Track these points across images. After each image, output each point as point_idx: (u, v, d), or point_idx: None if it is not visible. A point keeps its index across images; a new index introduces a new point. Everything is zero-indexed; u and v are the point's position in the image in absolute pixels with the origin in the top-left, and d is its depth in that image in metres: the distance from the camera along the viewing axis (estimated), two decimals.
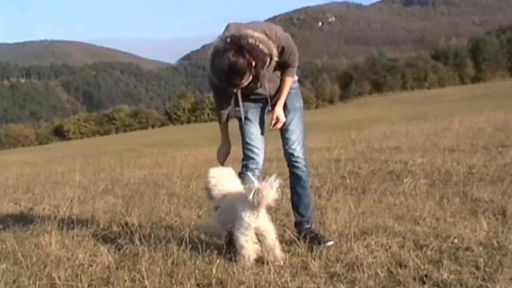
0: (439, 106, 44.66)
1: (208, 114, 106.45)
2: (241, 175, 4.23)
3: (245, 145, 4.27)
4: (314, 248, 4.09)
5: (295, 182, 4.34)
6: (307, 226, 4.30)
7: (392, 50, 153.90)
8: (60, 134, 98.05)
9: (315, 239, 4.10)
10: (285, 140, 4.31)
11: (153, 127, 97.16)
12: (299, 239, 4.14)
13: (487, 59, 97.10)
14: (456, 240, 3.91)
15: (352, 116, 43.11)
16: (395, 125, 17.50)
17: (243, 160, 4.29)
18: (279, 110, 4.14)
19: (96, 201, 7.38)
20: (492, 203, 5.04)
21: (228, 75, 3.61)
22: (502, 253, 3.60)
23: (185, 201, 7.04)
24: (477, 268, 3.34)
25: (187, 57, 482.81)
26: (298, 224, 4.35)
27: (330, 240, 4.09)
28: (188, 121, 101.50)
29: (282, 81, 4.17)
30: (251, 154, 4.25)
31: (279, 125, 4.17)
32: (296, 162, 4.29)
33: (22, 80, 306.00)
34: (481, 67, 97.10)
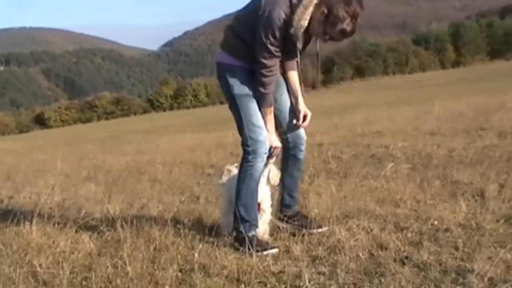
0: (420, 90, 44.87)
1: (191, 100, 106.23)
2: (247, 162, 3.82)
3: (252, 127, 3.77)
4: (296, 232, 4.12)
5: (293, 165, 4.14)
6: (297, 209, 4.25)
7: (374, 35, 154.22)
8: (41, 122, 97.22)
9: (304, 224, 4.07)
10: (290, 123, 4.03)
11: (135, 114, 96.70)
12: (285, 222, 4.13)
13: (467, 44, 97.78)
14: (436, 222, 3.94)
15: (334, 101, 43.19)
16: (377, 109, 17.52)
17: (247, 145, 3.80)
18: (304, 106, 4.01)
19: (78, 189, 7.36)
20: (471, 185, 5.10)
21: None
22: (480, 234, 3.64)
23: (167, 187, 7.05)
24: (456, 248, 3.37)
25: (169, 44, 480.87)
26: (287, 207, 4.22)
27: (323, 227, 4.03)
28: (171, 108, 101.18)
29: (294, 74, 4.07)
30: (260, 138, 3.77)
31: (307, 122, 4.02)
32: (302, 144, 4.10)
33: (1, 68, 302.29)
34: (461, 52, 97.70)
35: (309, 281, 3.05)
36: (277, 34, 3.49)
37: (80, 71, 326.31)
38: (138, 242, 3.97)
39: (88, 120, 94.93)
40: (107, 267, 3.55)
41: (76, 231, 4.53)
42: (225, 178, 4.31)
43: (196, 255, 3.63)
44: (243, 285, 3.10)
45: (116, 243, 4.09)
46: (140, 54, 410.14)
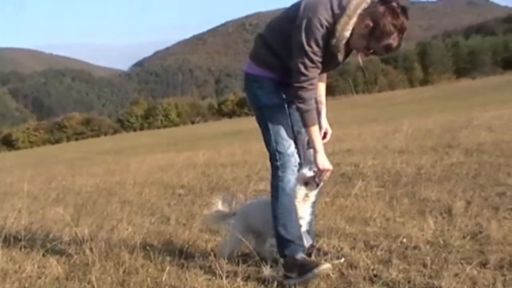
0: (389, 109, 45.35)
1: (161, 120, 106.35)
2: (277, 177, 3.49)
3: (280, 140, 3.47)
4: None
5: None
6: (312, 242, 3.87)
7: None
8: (8, 143, 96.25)
9: (321, 256, 3.73)
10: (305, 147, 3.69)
11: (105, 134, 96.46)
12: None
13: (434, 63, 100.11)
14: (404, 240, 3.99)
15: None
16: (347, 128, 17.70)
17: (275, 160, 3.49)
18: (326, 122, 3.79)
19: (46, 211, 7.26)
20: (439, 202, 5.16)
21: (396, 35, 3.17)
22: (447, 251, 3.69)
23: (138, 208, 7.00)
24: (424, 266, 3.41)
25: (140, 64, 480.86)
26: None
27: (342, 257, 3.72)
28: (141, 128, 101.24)
29: (322, 85, 3.78)
30: (288, 151, 3.47)
31: (327, 139, 3.78)
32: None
33: None
34: (429, 70, 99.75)
35: None
36: (320, 42, 3.21)
37: (49, 91, 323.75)
38: (107, 265, 3.94)
39: (57, 141, 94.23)
40: None
41: (43, 255, 4.47)
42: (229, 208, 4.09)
43: (166, 277, 3.64)
44: None
45: (85, 267, 4.04)
46: (111, 74, 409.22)
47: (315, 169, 3.44)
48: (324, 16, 3.18)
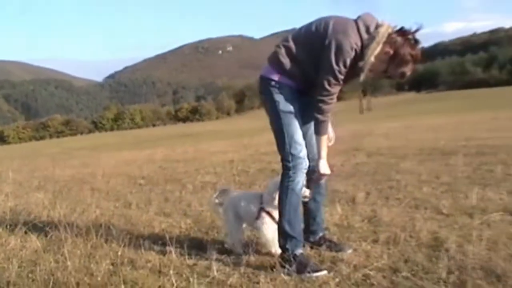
0: None
1: (128, 123, 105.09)
2: (289, 178, 3.13)
3: (294, 144, 3.12)
4: (209, 231, 4.13)
5: (315, 189, 3.42)
6: (322, 233, 3.54)
7: None
8: (1, 139, 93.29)
9: (333, 247, 3.41)
10: (313, 147, 3.32)
11: (82, 133, 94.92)
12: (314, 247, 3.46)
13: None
14: None
15: (245, 126, 43.50)
16: None
17: (288, 161, 3.13)
18: (331, 129, 3.39)
19: (29, 196, 7.03)
20: (346, 193, 5.28)
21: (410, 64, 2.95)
22: (350, 231, 3.79)
23: (105, 194, 6.88)
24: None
25: (112, 76, 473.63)
26: (312, 233, 3.51)
27: (350, 248, 3.38)
28: (112, 129, 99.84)
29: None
30: (301, 154, 3.13)
31: (333, 142, 3.44)
32: None
33: None
34: (343, 90, 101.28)
35: (217, 271, 3.07)
36: (348, 63, 2.93)
37: (36, 97, 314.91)
38: (78, 241, 3.86)
39: (42, 138, 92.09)
40: (51, 262, 3.44)
41: (25, 232, 4.35)
42: (222, 198, 3.75)
43: (126, 251, 3.60)
44: (163, 276, 3.07)
45: (59, 242, 3.94)
46: (87, 84, 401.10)
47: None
48: (355, 40, 2.91)
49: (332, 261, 3.15)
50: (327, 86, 2.96)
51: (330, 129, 3.31)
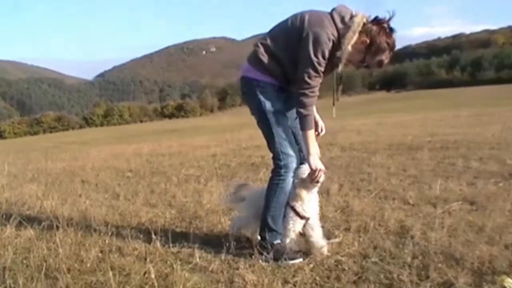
0: None
1: (117, 119, 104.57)
2: (279, 176, 3.04)
3: (283, 142, 3.01)
4: (192, 221, 4.12)
5: None
6: None
7: None
8: None
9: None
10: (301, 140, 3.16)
11: (73, 129, 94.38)
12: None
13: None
14: None
15: (227, 122, 43.42)
16: (258, 129, 17.83)
17: (279, 160, 3.03)
18: (320, 119, 3.31)
19: (23, 187, 6.94)
20: (321, 185, 5.27)
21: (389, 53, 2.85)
22: (324, 220, 3.74)
23: (94, 186, 6.81)
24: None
25: (101, 75, 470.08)
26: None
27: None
28: (101, 124, 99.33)
29: None
30: (291, 152, 3.02)
31: (324, 132, 3.36)
32: None
33: None
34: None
35: (199, 258, 3.07)
36: (326, 54, 2.79)
37: (30, 94, 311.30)
38: (69, 230, 3.83)
39: (36, 133, 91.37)
40: (43, 249, 3.44)
41: (19, 221, 4.30)
42: (243, 194, 3.49)
43: (113, 239, 3.59)
44: (149, 263, 3.06)
45: (51, 230, 3.91)
46: (78, 82, 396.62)
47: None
48: (331, 31, 2.78)
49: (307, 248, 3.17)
50: (307, 79, 2.81)
51: (318, 118, 3.22)
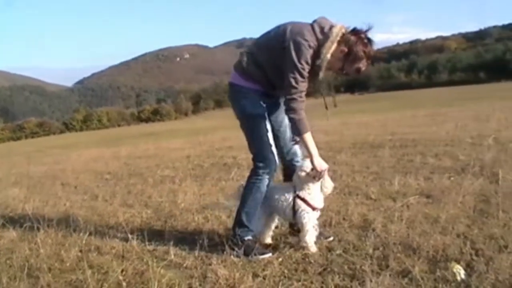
0: None
1: (96, 124, 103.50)
2: (257, 176, 3.04)
3: (264, 145, 3.01)
4: (167, 220, 4.09)
5: None
6: None
7: (229, 78, 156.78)
8: None
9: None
10: (287, 141, 3.22)
11: (54, 134, 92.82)
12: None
13: None
14: None
15: (201, 125, 43.20)
16: (231, 131, 17.83)
17: (259, 161, 3.03)
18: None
19: (7, 190, 6.81)
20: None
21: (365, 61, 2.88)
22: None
23: (74, 188, 6.74)
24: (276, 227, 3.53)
25: (81, 82, 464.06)
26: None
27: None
28: (81, 129, 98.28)
29: None
30: (271, 155, 3.02)
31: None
32: (298, 161, 3.22)
33: None
34: None
35: (174, 255, 3.05)
36: (309, 60, 2.80)
37: (13, 101, 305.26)
38: (49, 231, 3.80)
39: (19, 138, 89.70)
40: (26, 250, 3.41)
41: (3, 223, 4.21)
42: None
43: (92, 238, 3.56)
44: (126, 261, 3.03)
45: (33, 232, 3.85)
46: (59, 89, 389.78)
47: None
48: (311, 39, 2.81)
49: (276, 243, 3.19)
50: (294, 84, 2.79)
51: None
